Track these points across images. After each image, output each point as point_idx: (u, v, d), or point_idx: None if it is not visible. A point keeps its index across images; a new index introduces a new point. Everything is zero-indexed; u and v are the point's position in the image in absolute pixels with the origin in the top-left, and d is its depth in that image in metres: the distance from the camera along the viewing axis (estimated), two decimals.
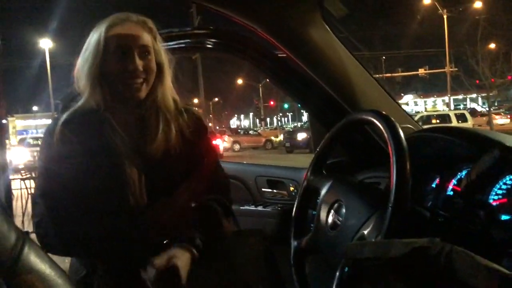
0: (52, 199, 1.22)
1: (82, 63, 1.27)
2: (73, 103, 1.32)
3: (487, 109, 27.69)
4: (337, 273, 1.00)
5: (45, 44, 28.91)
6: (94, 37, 1.25)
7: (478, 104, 35.83)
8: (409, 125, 1.68)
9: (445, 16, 29.34)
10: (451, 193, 1.30)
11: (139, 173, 1.26)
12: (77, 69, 1.29)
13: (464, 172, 1.27)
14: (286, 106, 45.75)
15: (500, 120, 30.49)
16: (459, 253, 0.63)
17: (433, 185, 1.38)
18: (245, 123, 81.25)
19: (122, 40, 1.24)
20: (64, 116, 1.26)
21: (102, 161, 1.22)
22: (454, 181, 1.31)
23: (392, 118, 1.11)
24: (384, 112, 1.16)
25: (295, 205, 1.46)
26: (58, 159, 1.22)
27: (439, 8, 29.30)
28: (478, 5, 28.08)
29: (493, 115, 31.93)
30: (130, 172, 1.24)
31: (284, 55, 1.76)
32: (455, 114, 24.12)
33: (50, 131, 1.26)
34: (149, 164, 1.28)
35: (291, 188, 2.10)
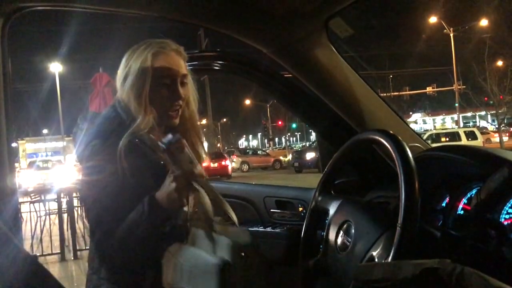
0: (113, 217, 1.21)
1: (128, 87, 1.30)
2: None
3: (497, 126, 27.53)
4: None
5: (55, 68, 29.36)
6: (137, 63, 1.29)
7: (488, 122, 35.66)
8: (417, 144, 1.67)
9: (451, 35, 29.46)
10: (462, 212, 1.28)
11: None
12: (121, 93, 1.32)
13: (474, 191, 1.26)
14: (294, 126, 45.87)
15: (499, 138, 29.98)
16: (470, 274, 0.62)
17: (443, 204, 1.37)
18: (254, 143, 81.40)
19: (168, 69, 1.32)
20: (125, 138, 1.24)
21: (159, 179, 1.24)
22: (464, 200, 1.29)
23: (400, 138, 1.11)
24: (391, 132, 1.15)
25: (303, 226, 1.45)
26: (121, 178, 1.21)
27: (446, 27, 29.45)
28: (484, 23, 28.19)
29: (492, 133, 31.59)
30: None
31: (291, 75, 1.77)
32: (465, 132, 23.99)
33: (106, 152, 1.23)
34: None
35: (300, 209, 2.09)
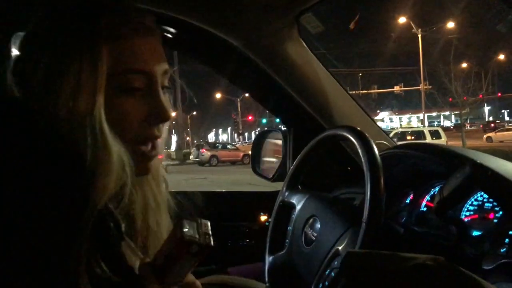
0: None
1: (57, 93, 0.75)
2: None
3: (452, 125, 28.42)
4: None
5: None
6: (72, 51, 0.80)
7: (452, 122, 36.71)
8: (383, 141, 1.70)
9: (419, 35, 30.13)
10: (425, 209, 1.31)
11: None
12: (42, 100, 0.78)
13: (437, 189, 1.29)
14: (264, 121, 45.93)
15: None
16: (461, 274, 0.61)
17: (407, 201, 1.40)
18: (223, 137, 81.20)
19: (139, 62, 0.79)
20: None
21: None
22: (427, 197, 1.32)
23: (367, 134, 1.12)
24: (358, 128, 1.16)
25: (270, 221, 1.45)
26: None
27: (414, 27, 30.08)
28: (451, 25, 28.94)
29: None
30: None
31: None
32: (429, 131, 24.60)
33: None
34: None
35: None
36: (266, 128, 2.35)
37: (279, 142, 1.94)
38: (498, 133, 30.73)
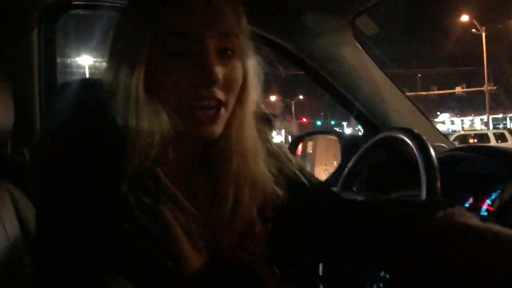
0: None
1: (111, 58, 0.82)
2: None
3: None
4: None
5: (85, 61, 29.86)
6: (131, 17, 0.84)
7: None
8: (442, 144, 1.66)
9: (483, 34, 28.77)
10: (485, 213, 1.27)
11: None
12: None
13: (497, 192, 1.25)
14: (319, 123, 45.47)
15: None
16: None
17: (466, 205, 1.36)
18: (277, 139, 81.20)
19: (189, 23, 0.78)
20: None
21: None
22: (488, 202, 1.28)
23: (423, 136, 1.11)
24: (415, 130, 1.15)
25: None
26: None
27: (477, 26, 28.78)
28: None
29: None
30: None
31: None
32: (494, 134, 23.37)
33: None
34: None
35: None
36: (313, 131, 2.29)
37: (330, 145, 1.93)
38: None
